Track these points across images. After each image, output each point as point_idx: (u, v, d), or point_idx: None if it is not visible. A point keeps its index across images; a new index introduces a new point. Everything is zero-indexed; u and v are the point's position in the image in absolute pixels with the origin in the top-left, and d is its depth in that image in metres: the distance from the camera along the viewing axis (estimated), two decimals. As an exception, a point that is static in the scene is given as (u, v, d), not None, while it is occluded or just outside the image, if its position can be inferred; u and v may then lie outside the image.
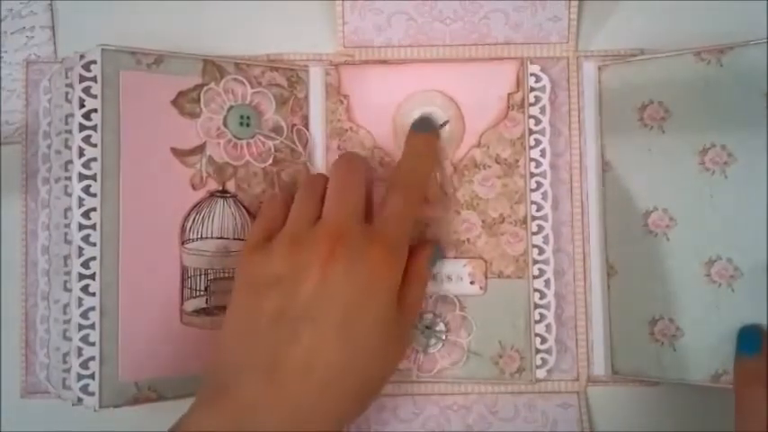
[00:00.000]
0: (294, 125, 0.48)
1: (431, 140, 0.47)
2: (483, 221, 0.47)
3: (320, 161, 0.49)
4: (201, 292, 0.46)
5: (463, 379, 0.48)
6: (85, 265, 0.42)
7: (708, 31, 0.46)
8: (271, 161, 0.47)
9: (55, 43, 0.50)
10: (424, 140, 0.47)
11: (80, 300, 0.42)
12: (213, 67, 0.46)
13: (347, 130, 0.49)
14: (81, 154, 0.42)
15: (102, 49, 0.43)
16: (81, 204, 0.42)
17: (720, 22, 0.48)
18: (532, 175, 0.47)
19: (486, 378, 0.47)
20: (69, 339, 0.43)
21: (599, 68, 0.48)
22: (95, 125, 0.42)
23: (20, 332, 0.49)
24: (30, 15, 0.50)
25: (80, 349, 0.42)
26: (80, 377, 0.42)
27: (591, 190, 0.48)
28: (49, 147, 0.47)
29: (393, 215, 0.42)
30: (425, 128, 0.47)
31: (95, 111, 0.43)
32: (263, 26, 0.50)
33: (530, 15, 0.48)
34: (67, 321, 0.43)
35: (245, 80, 0.47)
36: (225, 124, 0.46)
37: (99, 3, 0.50)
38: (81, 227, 0.42)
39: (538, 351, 0.47)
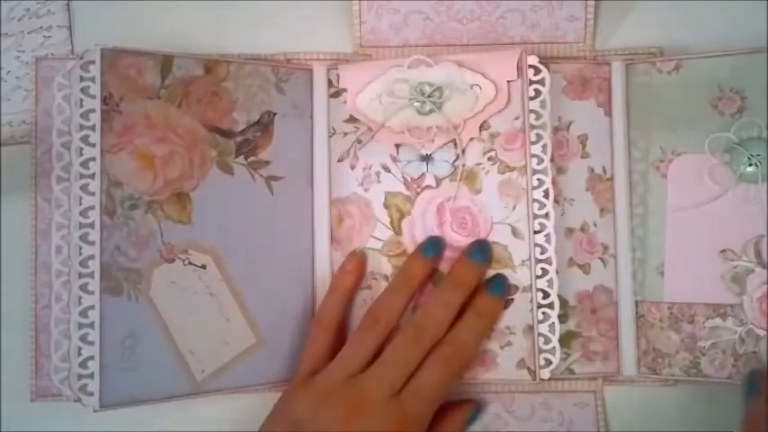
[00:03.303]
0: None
1: (499, 306, 0.46)
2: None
3: (323, 157, 0.49)
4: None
5: (469, 380, 0.47)
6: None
7: (728, 30, 0.46)
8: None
9: (72, 43, 0.50)
10: (494, 305, 0.46)
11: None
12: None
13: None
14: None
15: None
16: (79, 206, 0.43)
17: (742, 19, 0.48)
18: (534, 171, 0.46)
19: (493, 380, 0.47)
20: (91, 343, 0.43)
21: (626, 67, 0.48)
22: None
23: (29, 335, 0.48)
24: (47, 15, 0.50)
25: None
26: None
27: (620, 194, 0.48)
28: (64, 144, 0.46)
29: (426, 389, 0.43)
30: (500, 290, 0.46)
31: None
32: (279, 25, 0.50)
33: (546, 15, 0.48)
34: (88, 325, 0.43)
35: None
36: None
37: (116, 2, 0.50)
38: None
39: (541, 351, 0.46)
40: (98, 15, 0.50)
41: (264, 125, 0.47)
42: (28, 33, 0.50)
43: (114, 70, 0.44)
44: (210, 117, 0.46)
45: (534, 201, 0.46)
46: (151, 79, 0.45)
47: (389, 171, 0.48)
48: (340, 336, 0.46)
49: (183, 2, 0.50)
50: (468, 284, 0.45)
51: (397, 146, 0.48)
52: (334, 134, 0.49)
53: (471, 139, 0.47)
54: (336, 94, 0.49)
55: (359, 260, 0.47)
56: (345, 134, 0.49)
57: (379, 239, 0.48)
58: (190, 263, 0.45)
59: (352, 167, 0.49)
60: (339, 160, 0.49)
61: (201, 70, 0.46)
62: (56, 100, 0.47)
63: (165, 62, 0.45)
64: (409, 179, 0.48)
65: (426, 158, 0.48)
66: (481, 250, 0.46)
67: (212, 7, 0.50)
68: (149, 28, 0.50)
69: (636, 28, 0.49)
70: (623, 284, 0.48)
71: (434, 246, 0.46)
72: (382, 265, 0.48)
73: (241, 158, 0.47)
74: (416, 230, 0.48)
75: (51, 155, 0.47)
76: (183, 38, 0.49)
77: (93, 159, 0.43)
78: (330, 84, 0.49)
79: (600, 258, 0.48)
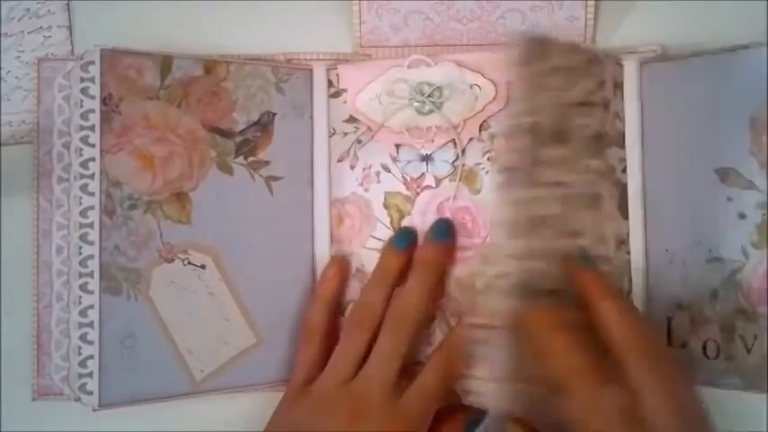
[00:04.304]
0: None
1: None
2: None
3: (323, 157, 0.49)
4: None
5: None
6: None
7: (728, 30, 0.46)
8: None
9: (72, 43, 0.50)
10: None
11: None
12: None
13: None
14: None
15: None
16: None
17: (742, 18, 0.48)
18: None
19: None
20: (90, 343, 0.43)
21: (641, 66, 0.47)
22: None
23: (30, 334, 0.48)
24: (47, 15, 0.50)
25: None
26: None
27: (632, 194, 0.47)
28: (64, 145, 0.46)
29: (425, 393, 0.43)
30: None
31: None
32: (279, 25, 0.50)
33: (546, 15, 0.48)
34: (88, 324, 0.43)
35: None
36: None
37: (116, 2, 0.50)
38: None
39: None
40: (98, 15, 0.50)
41: (264, 125, 0.47)
42: (28, 33, 0.50)
43: (114, 71, 0.44)
44: (210, 117, 0.46)
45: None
46: (151, 80, 0.45)
47: (389, 171, 0.48)
48: (331, 340, 0.46)
49: (184, 2, 0.50)
50: (435, 263, 0.45)
51: (397, 146, 0.48)
52: (333, 134, 0.49)
53: (471, 139, 0.47)
54: (336, 94, 0.49)
55: (339, 265, 0.47)
56: (345, 134, 0.49)
57: (378, 239, 0.48)
58: (189, 263, 0.45)
59: (352, 167, 0.49)
60: (339, 160, 0.49)
61: (201, 70, 0.46)
62: (56, 100, 0.47)
63: (165, 63, 0.45)
64: (409, 179, 0.48)
65: (426, 158, 0.48)
66: (443, 228, 0.46)
67: (212, 7, 0.50)
68: (149, 28, 0.50)
69: (636, 28, 0.49)
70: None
71: (405, 237, 0.46)
72: None
73: (241, 158, 0.47)
74: (416, 230, 0.48)
75: (52, 155, 0.47)
76: (183, 38, 0.49)
77: (93, 159, 0.43)
78: (330, 84, 0.49)
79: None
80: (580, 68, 0.44)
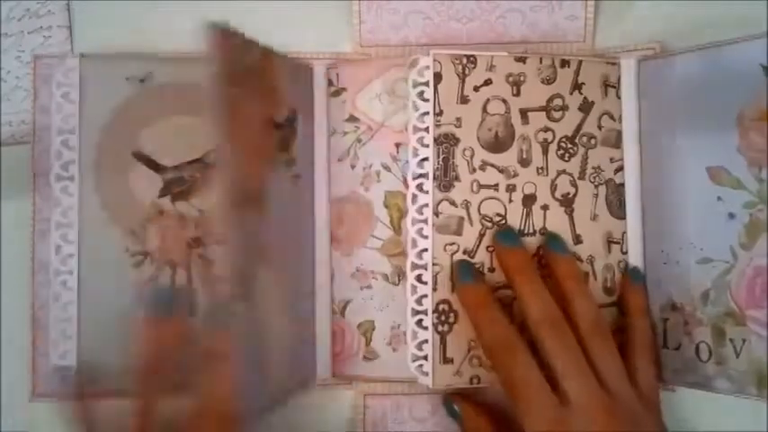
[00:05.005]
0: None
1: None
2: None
3: (323, 157, 0.49)
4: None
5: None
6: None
7: (726, 29, 0.46)
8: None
9: (72, 42, 0.50)
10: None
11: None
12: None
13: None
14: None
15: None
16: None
17: (740, 17, 0.48)
18: None
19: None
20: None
21: (639, 63, 0.48)
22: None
23: (26, 334, 0.48)
24: (47, 15, 0.50)
25: None
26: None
27: (631, 194, 0.48)
28: (63, 142, 0.46)
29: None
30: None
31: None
32: (279, 25, 0.50)
33: (546, 15, 0.49)
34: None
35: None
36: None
37: (116, 2, 0.50)
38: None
39: None
40: (98, 15, 0.50)
41: (291, 121, 0.46)
42: (28, 33, 0.50)
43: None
44: (269, 111, 0.44)
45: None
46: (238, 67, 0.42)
47: (390, 170, 0.48)
48: None
49: (184, 2, 0.50)
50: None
51: (397, 145, 0.48)
52: (334, 133, 0.49)
53: (471, 138, 0.47)
54: (336, 94, 0.49)
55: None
56: (345, 133, 0.49)
57: (379, 239, 0.48)
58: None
59: (353, 167, 0.49)
60: (339, 159, 0.49)
61: (262, 61, 0.44)
62: (55, 98, 0.47)
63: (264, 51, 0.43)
64: (409, 178, 0.48)
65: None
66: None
67: (212, 7, 0.50)
68: (149, 28, 0.50)
69: (636, 27, 0.49)
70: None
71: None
72: (382, 265, 0.48)
73: (281, 155, 0.45)
74: (416, 230, 0.48)
75: (50, 153, 0.47)
76: (183, 38, 0.49)
77: None
78: (330, 83, 0.49)
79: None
80: None
